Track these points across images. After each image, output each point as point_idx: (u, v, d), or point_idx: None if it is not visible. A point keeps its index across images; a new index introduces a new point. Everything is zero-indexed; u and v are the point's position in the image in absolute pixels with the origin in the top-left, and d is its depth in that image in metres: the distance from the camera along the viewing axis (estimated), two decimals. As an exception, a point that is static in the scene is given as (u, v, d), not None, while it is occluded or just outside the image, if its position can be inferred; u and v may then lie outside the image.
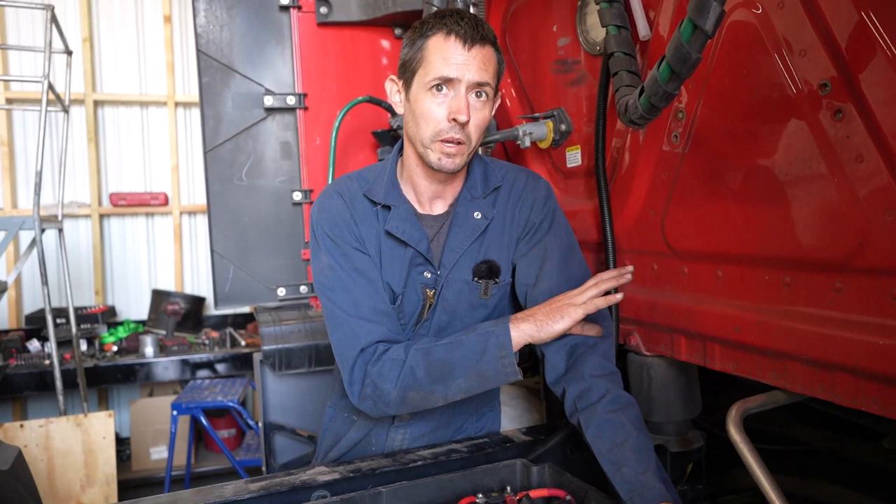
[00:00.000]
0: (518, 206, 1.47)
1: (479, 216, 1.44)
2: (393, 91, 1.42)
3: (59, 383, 3.77)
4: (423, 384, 1.30)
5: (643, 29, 1.44)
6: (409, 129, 1.39)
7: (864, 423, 1.25)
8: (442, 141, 1.32)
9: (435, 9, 2.01)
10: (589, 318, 1.37)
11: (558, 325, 1.30)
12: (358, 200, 1.45)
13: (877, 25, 0.96)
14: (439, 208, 1.47)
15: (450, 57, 1.28)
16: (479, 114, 1.33)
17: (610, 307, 1.51)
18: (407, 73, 1.36)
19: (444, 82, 1.29)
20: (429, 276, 1.43)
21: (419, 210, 1.46)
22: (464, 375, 1.30)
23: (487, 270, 1.44)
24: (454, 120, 1.29)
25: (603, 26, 1.44)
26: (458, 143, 1.32)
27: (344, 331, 1.37)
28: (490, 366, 1.29)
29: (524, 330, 1.31)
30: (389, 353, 1.33)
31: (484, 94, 1.32)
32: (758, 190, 1.20)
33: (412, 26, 1.37)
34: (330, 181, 2.31)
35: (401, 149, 1.49)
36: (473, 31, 1.29)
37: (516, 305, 1.51)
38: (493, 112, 1.42)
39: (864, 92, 0.99)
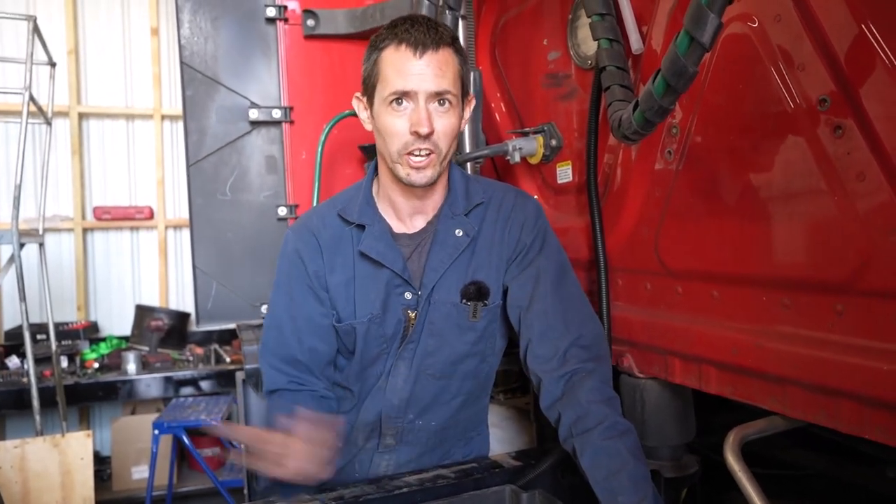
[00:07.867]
0: (507, 226, 1.41)
1: (461, 234, 1.39)
2: (360, 108, 1.38)
3: (35, 402, 3.67)
4: None
5: (636, 43, 1.41)
6: (378, 145, 1.35)
7: (867, 451, 1.20)
8: (408, 154, 1.27)
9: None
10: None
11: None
12: (328, 226, 1.41)
13: (877, 38, 0.93)
14: (420, 223, 1.42)
15: (403, 68, 1.23)
16: (444, 121, 1.27)
17: (603, 325, 1.47)
18: (368, 88, 1.32)
19: (402, 95, 1.24)
20: (409, 296, 1.38)
21: (397, 228, 1.41)
22: None
23: (476, 292, 1.39)
24: (416, 133, 1.24)
25: (595, 40, 1.41)
26: (428, 153, 1.27)
27: (263, 369, 1.45)
28: None
29: None
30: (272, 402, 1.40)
31: (447, 102, 1.27)
32: (755, 208, 1.16)
33: (370, 40, 1.32)
34: (315, 196, 2.26)
35: (376, 167, 1.44)
36: (425, 37, 1.23)
37: (506, 328, 1.46)
38: (466, 116, 1.36)
39: (865, 107, 0.96)
